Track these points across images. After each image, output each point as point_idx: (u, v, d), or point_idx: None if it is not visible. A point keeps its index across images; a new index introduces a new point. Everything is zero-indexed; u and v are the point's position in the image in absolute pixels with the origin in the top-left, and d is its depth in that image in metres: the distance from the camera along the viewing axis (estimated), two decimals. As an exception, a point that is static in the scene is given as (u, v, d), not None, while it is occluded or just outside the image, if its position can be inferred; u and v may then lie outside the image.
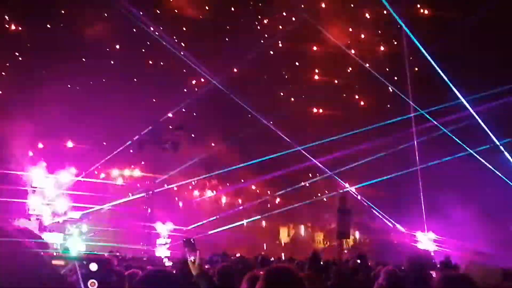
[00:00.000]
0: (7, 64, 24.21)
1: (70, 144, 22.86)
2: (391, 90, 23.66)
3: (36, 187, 20.39)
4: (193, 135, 22.44)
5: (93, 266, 1.22)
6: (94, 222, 21.09)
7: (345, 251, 21.29)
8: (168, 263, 11.43)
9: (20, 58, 24.55)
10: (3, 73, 23.71)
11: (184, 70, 24.81)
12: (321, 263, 9.31)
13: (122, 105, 22.40)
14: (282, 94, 27.37)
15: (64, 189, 20.94)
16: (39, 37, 23.73)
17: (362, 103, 27.04)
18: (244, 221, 25.62)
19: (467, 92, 20.12)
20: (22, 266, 0.67)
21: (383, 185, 22.30)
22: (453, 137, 20.40)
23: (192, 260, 3.51)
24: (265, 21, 27.81)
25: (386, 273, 3.06)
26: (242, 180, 26.32)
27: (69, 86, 23.94)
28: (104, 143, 23.35)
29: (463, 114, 20.17)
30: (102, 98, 22.48)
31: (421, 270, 3.07)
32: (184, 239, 3.69)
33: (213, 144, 25.28)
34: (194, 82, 26.62)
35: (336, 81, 26.91)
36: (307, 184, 26.26)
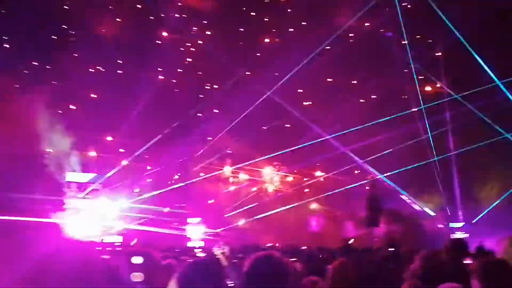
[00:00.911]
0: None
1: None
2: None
3: (70, 181, 20.90)
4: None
5: (137, 260, 1.26)
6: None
7: (376, 239, 21.03)
8: (200, 254, 11.62)
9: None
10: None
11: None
12: (353, 251, 9.29)
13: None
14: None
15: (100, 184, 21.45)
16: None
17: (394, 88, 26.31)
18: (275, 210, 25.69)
19: (502, 74, 19.42)
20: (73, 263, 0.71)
21: (415, 171, 21.90)
22: (489, 121, 19.85)
23: (222, 252, 3.59)
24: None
25: (422, 258, 2.97)
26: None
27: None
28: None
29: (499, 97, 19.52)
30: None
31: (460, 255, 3.04)
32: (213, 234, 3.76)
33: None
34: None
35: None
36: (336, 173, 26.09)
